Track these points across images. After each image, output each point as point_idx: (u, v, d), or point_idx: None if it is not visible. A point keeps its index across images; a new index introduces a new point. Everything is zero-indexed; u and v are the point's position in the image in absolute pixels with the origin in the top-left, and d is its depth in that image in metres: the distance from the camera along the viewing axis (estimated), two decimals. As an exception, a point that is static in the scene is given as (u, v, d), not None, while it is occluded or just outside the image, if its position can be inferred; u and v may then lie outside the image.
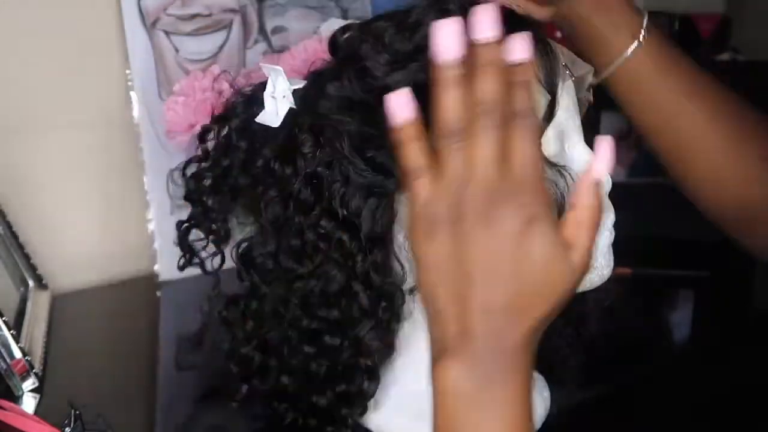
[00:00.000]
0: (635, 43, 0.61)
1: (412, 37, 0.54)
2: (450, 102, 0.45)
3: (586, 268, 0.45)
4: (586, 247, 0.45)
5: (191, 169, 0.65)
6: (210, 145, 0.64)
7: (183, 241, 0.66)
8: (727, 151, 0.62)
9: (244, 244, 0.61)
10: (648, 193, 1.13)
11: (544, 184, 0.45)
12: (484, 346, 0.44)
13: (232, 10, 0.99)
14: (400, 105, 0.46)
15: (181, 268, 0.67)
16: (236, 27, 1.00)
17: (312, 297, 0.57)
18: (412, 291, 0.57)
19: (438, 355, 0.46)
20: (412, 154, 0.46)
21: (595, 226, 0.45)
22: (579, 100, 0.59)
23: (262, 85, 0.59)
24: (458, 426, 0.45)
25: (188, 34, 0.96)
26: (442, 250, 0.45)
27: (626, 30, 0.62)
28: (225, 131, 0.62)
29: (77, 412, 0.57)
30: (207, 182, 0.63)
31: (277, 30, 1.03)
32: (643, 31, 0.61)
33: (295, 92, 0.57)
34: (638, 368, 0.76)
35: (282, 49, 0.97)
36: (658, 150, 0.65)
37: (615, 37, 0.62)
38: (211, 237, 0.65)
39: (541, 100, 0.54)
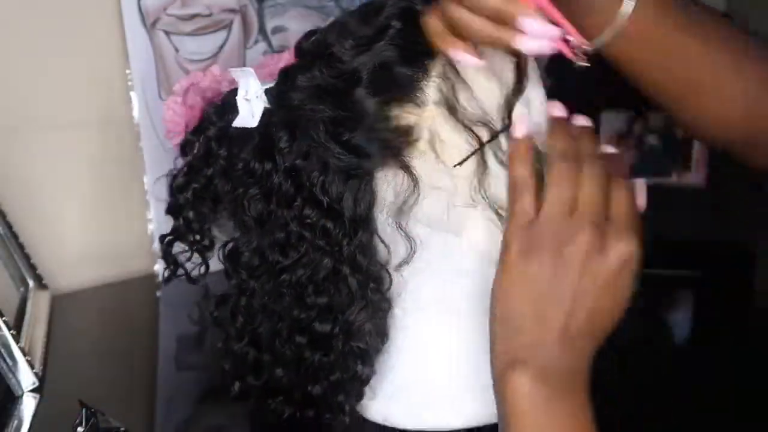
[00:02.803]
0: (615, 25, 0.55)
1: (374, 21, 0.55)
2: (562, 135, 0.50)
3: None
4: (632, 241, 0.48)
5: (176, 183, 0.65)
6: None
7: (167, 254, 0.66)
8: (733, 78, 0.61)
9: (230, 244, 0.62)
10: (648, 193, 1.12)
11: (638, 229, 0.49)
12: (557, 363, 0.47)
13: (232, 10, 0.99)
14: (523, 122, 0.52)
15: (166, 281, 0.67)
16: (236, 27, 1.00)
17: (300, 286, 0.58)
18: (399, 267, 0.58)
19: (507, 365, 0.48)
20: (522, 169, 0.50)
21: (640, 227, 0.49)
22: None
23: (233, 92, 0.60)
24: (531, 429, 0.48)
25: (188, 34, 0.96)
26: (539, 271, 0.48)
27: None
28: (203, 141, 0.62)
29: (91, 410, 0.57)
30: (189, 194, 0.63)
31: (277, 30, 1.03)
32: None
33: (267, 91, 0.58)
34: (638, 368, 0.76)
35: (282, 49, 0.97)
36: (666, 95, 0.62)
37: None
38: (195, 248, 0.65)
39: (509, 70, 0.56)
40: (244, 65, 0.99)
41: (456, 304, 0.61)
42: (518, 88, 0.56)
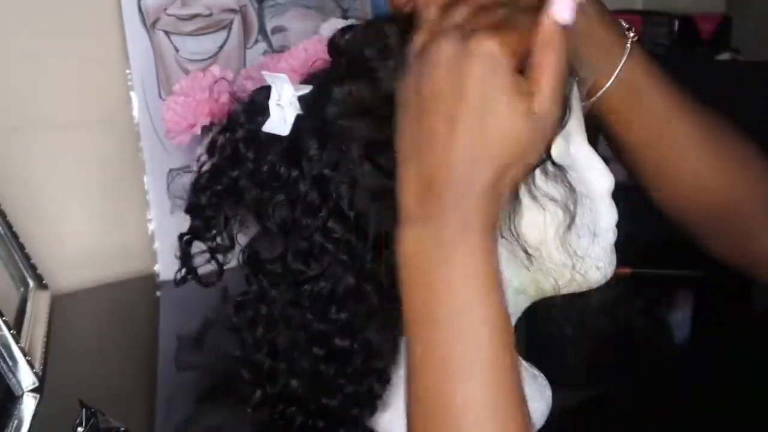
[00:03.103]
0: (618, 69, 0.60)
1: None
2: None
3: (549, 114, 0.45)
4: (546, 93, 0.44)
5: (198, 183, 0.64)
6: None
7: (185, 255, 0.64)
8: (709, 159, 0.63)
9: (251, 249, 0.61)
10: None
11: (509, 41, 0.44)
12: (447, 198, 0.45)
13: (232, 10, 0.99)
14: None
15: (178, 284, 0.65)
16: (236, 27, 1.00)
17: (321, 299, 0.56)
18: None
19: (400, 225, 0.47)
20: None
21: (556, 70, 0.45)
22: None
23: (262, 91, 0.58)
24: (427, 286, 0.46)
25: (188, 34, 0.96)
26: (409, 110, 0.46)
27: (610, 55, 0.60)
28: (230, 142, 0.61)
29: (91, 410, 0.57)
30: (212, 195, 0.62)
31: (277, 30, 1.03)
32: (623, 56, 0.60)
33: (300, 98, 0.56)
34: (638, 368, 0.76)
35: (282, 49, 0.97)
36: (642, 163, 0.64)
37: (602, 61, 0.60)
38: (213, 245, 0.63)
39: None
40: (244, 65, 1.00)
41: None
42: (560, 120, 0.53)
